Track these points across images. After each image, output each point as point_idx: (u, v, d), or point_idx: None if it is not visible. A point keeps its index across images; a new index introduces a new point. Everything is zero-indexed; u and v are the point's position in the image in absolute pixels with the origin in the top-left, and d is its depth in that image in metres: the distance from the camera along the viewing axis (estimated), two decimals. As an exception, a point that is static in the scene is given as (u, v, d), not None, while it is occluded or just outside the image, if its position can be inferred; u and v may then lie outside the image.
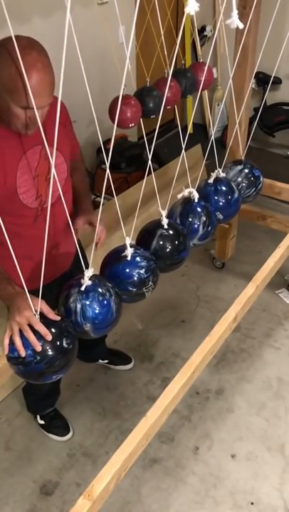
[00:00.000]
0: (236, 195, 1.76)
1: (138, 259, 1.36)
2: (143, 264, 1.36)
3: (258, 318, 2.63)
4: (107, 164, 1.17)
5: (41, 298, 1.18)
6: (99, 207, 2.39)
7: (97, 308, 1.24)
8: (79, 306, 1.23)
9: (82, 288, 1.25)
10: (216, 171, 1.73)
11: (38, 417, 2.11)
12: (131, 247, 1.35)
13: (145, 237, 1.49)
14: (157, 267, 1.41)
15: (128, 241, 1.34)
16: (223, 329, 1.64)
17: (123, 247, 1.37)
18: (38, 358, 1.14)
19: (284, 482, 1.92)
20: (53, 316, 1.20)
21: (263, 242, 3.10)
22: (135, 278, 1.34)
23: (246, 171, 1.88)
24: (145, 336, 2.56)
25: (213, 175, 1.73)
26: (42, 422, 2.10)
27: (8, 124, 1.23)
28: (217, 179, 1.74)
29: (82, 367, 2.34)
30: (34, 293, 1.17)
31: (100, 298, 1.25)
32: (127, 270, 1.34)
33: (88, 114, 1.06)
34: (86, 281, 1.25)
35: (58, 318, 1.20)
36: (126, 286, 1.35)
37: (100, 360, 2.36)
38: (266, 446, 2.04)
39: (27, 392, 2.06)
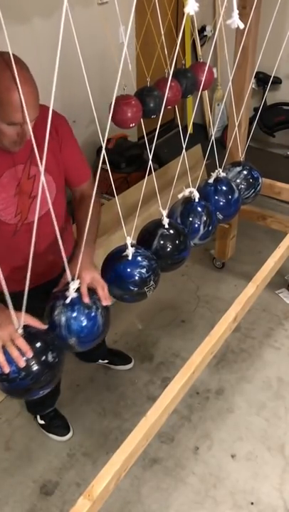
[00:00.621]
0: (236, 195, 1.76)
1: (139, 258, 1.36)
2: (144, 263, 1.35)
3: (258, 318, 2.63)
4: (103, 163, 1.16)
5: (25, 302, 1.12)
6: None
7: (83, 322, 1.20)
8: (64, 319, 1.19)
9: (68, 300, 1.20)
10: (216, 170, 1.73)
11: (38, 417, 2.11)
12: (132, 246, 1.35)
13: (146, 237, 1.49)
14: (158, 267, 1.41)
15: (129, 241, 1.34)
16: (223, 329, 1.64)
17: (124, 247, 1.36)
18: (23, 373, 1.09)
19: (284, 482, 1.92)
20: (39, 324, 1.15)
21: (263, 242, 3.10)
22: (136, 277, 1.34)
23: (245, 172, 1.88)
24: (145, 336, 2.56)
25: (214, 175, 1.74)
26: (42, 421, 2.10)
27: None
28: (217, 179, 1.74)
29: (82, 367, 2.34)
30: (13, 296, 1.09)
31: (86, 311, 1.20)
32: (128, 270, 1.34)
33: (88, 113, 1.06)
34: (71, 294, 1.20)
35: (45, 326, 1.16)
36: (127, 286, 1.35)
37: (100, 360, 2.36)
38: (266, 446, 2.04)
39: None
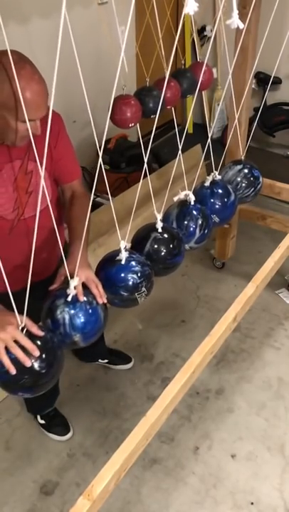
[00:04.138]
0: (232, 197, 1.75)
1: (133, 263, 1.34)
2: (137, 269, 1.34)
3: (258, 318, 2.63)
4: (103, 163, 1.17)
5: (19, 301, 1.12)
6: (99, 207, 2.38)
7: (86, 317, 1.22)
8: (67, 317, 1.20)
9: (69, 298, 1.22)
10: (212, 173, 1.72)
11: (38, 416, 2.11)
12: (126, 251, 1.34)
13: (139, 240, 1.48)
14: (152, 274, 1.40)
15: (123, 245, 1.33)
16: (223, 329, 1.64)
17: (119, 251, 1.35)
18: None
19: (284, 482, 1.92)
20: (36, 330, 1.14)
21: (263, 242, 3.10)
22: (128, 282, 1.33)
23: (246, 171, 1.88)
24: (145, 335, 2.56)
25: (210, 178, 1.72)
26: (42, 421, 2.10)
27: (1, 140, 1.24)
28: (213, 182, 1.73)
29: (82, 367, 2.34)
30: (12, 295, 1.09)
31: (87, 306, 1.23)
32: (120, 274, 1.33)
33: (87, 113, 1.06)
34: (72, 291, 1.22)
35: (42, 333, 1.14)
36: (118, 291, 1.34)
37: (100, 360, 2.36)
38: (266, 446, 2.04)
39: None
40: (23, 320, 1.12)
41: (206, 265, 3.01)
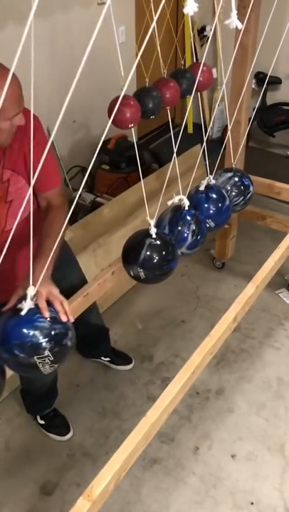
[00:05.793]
0: (227, 202, 1.73)
1: (38, 316, 1.05)
2: (42, 325, 1.04)
3: (258, 318, 2.63)
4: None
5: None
6: (99, 207, 2.38)
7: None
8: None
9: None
10: (207, 178, 1.71)
11: (38, 417, 2.11)
12: (32, 299, 1.06)
13: (133, 247, 1.46)
14: (69, 335, 1.12)
15: (32, 291, 1.04)
16: (223, 329, 1.64)
17: (24, 297, 1.07)
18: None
19: (284, 482, 1.92)
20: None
21: (263, 242, 3.10)
22: (25, 340, 1.02)
23: (236, 179, 1.84)
24: (145, 336, 2.56)
25: (204, 182, 1.70)
26: (42, 422, 2.10)
27: None
28: (208, 186, 1.71)
29: (81, 367, 2.34)
30: None
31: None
32: (18, 329, 1.04)
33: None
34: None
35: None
36: (12, 349, 1.03)
37: (103, 357, 2.36)
38: (266, 446, 2.04)
39: (24, 394, 2.06)
40: None
41: (206, 265, 3.01)
